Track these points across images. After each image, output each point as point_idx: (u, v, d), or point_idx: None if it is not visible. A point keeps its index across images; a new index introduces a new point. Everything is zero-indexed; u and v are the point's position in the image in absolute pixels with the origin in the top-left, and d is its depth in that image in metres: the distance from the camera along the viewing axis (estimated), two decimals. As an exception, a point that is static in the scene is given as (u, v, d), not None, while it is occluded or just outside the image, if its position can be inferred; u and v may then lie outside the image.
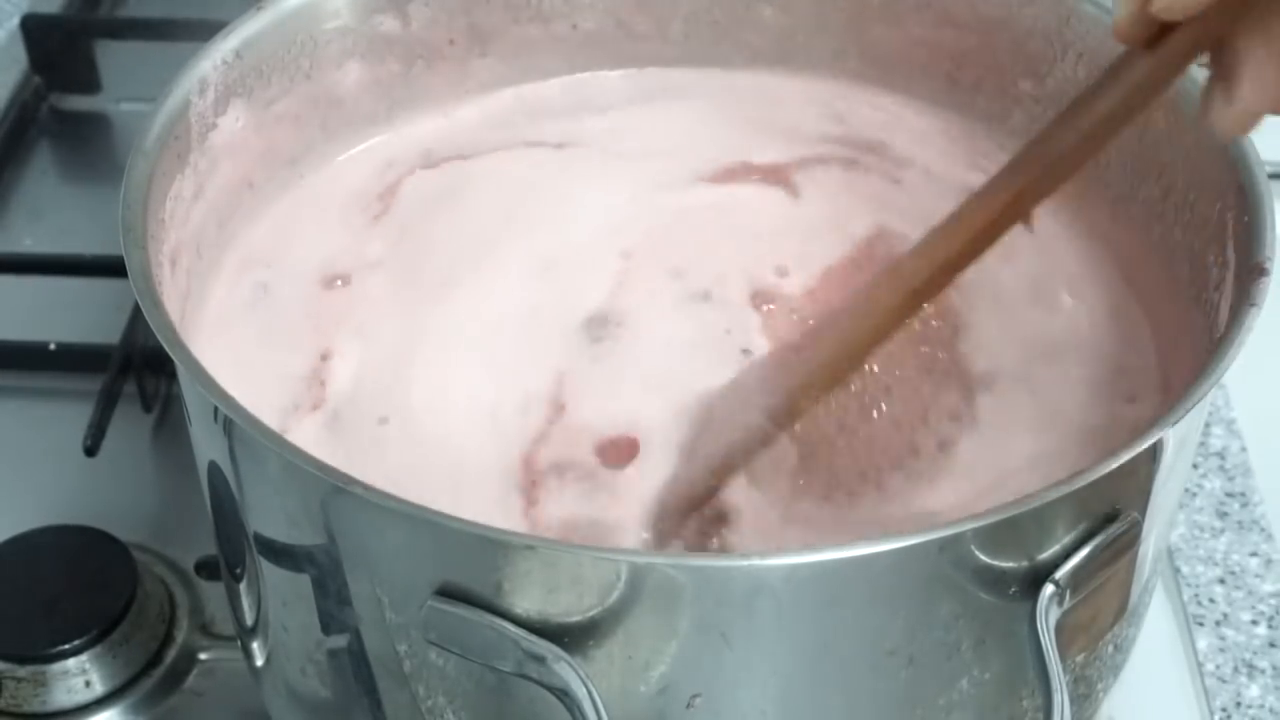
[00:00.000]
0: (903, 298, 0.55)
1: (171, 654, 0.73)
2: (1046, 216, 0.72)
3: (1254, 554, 0.79)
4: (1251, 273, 0.58)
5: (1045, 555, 0.52)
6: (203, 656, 0.74)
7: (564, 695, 0.50)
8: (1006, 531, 0.51)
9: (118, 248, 0.58)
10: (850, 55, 0.76)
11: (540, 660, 0.50)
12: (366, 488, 0.51)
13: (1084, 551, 0.52)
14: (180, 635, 0.74)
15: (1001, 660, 0.54)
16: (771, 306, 0.66)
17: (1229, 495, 0.82)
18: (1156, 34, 0.50)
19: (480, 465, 0.61)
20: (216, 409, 0.54)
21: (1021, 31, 0.72)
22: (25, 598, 0.72)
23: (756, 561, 0.49)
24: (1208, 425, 0.85)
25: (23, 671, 0.71)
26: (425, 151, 0.74)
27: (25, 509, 0.78)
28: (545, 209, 0.72)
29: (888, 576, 0.51)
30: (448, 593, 0.51)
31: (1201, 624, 0.77)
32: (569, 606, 0.50)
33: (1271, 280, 0.58)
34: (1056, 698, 0.51)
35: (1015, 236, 0.60)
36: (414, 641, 0.53)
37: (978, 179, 0.59)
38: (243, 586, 0.61)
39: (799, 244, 0.69)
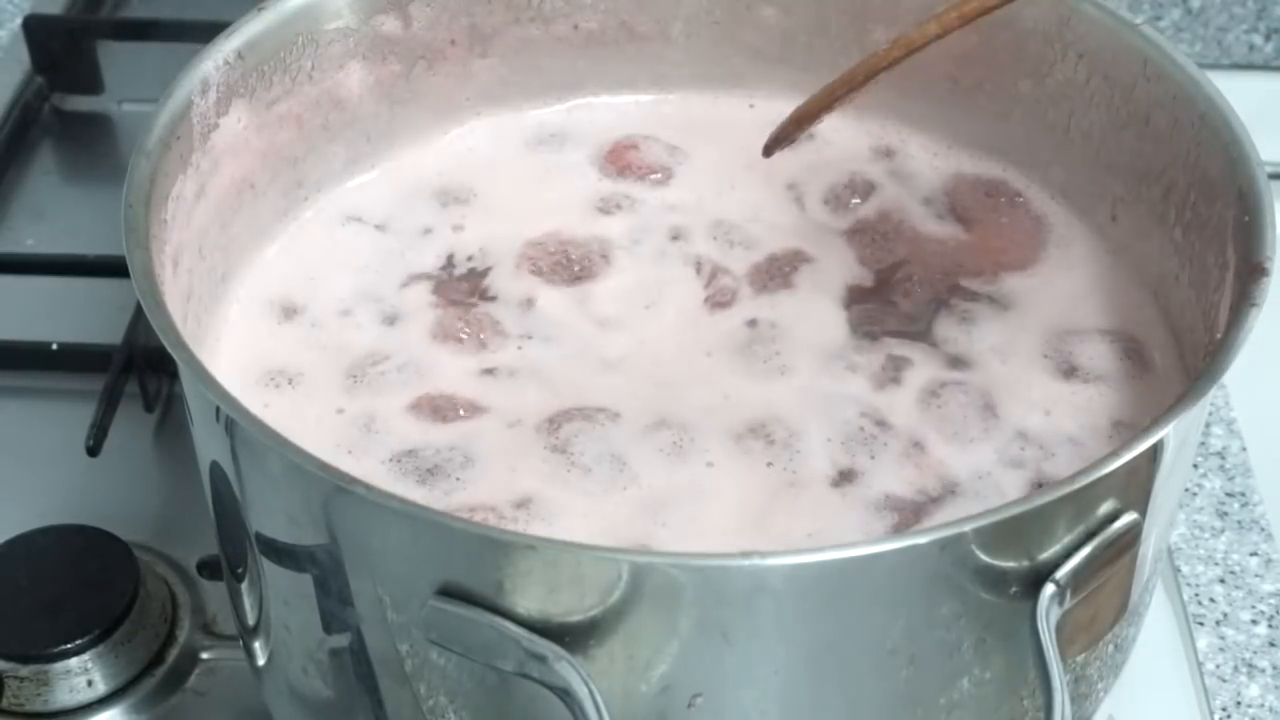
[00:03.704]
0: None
1: (173, 653, 0.73)
2: (1049, 217, 0.73)
3: (1254, 554, 0.79)
4: (1252, 273, 0.58)
5: (1046, 555, 0.52)
6: (205, 656, 0.74)
7: (565, 695, 0.50)
8: (1007, 531, 0.51)
9: (120, 248, 0.58)
10: (852, 55, 0.76)
11: (541, 660, 0.50)
12: (368, 487, 0.51)
13: (1084, 551, 0.53)
14: (182, 635, 0.74)
15: (1002, 660, 0.54)
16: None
17: (1229, 495, 0.82)
18: None
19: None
20: (218, 409, 0.54)
21: (1022, 32, 0.72)
22: (27, 597, 0.72)
23: (757, 561, 0.50)
24: (1208, 425, 0.85)
25: (25, 671, 0.71)
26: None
27: (27, 509, 0.78)
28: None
29: (889, 576, 0.51)
30: (449, 592, 0.51)
31: (1201, 623, 0.77)
32: (570, 606, 0.50)
33: (1272, 280, 0.58)
34: (1057, 697, 0.51)
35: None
36: (415, 641, 0.54)
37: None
38: (244, 586, 0.61)
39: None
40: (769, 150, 0.72)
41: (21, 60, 1.05)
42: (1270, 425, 0.86)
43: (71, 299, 0.90)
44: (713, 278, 0.71)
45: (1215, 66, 1.11)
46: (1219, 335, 0.59)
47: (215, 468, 0.58)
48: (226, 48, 0.67)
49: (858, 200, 0.74)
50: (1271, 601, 0.77)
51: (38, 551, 0.74)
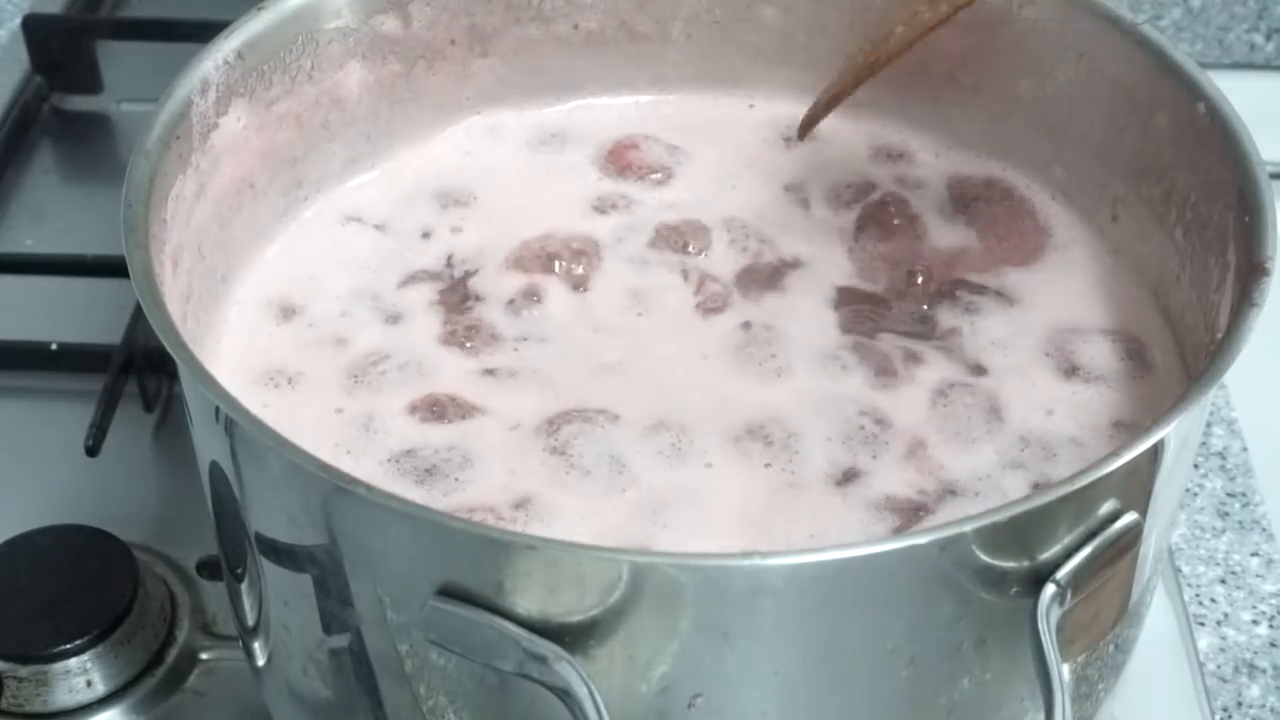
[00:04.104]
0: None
1: (173, 654, 0.73)
2: (1049, 218, 0.73)
3: (1255, 554, 0.79)
4: (1252, 273, 0.58)
5: (1046, 555, 0.52)
6: (204, 656, 0.74)
7: (565, 695, 0.50)
8: (1007, 531, 0.51)
9: (119, 248, 0.58)
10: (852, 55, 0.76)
11: (541, 660, 0.50)
12: (369, 488, 0.51)
13: (1085, 551, 0.53)
14: (182, 635, 0.74)
15: (1002, 660, 0.54)
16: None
17: (1230, 495, 0.82)
18: None
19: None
20: (218, 409, 0.54)
21: (1022, 32, 0.72)
22: (27, 598, 0.72)
23: (758, 561, 0.49)
24: (1208, 425, 0.85)
25: (24, 671, 0.71)
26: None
27: (27, 509, 0.78)
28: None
29: (889, 576, 0.51)
30: (449, 592, 0.51)
31: (1202, 624, 0.77)
32: (570, 606, 0.50)
33: (1272, 280, 0.58)
34: (1057, 697, 0.51)
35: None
36: (415, 641, 0.54)
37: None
38: (244, 586, 0.61)
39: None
40: (803, 132, 0.75)
41: (21, 60, 1.05)
42: (1271, 425, 0.86)
43: (71, 299, 0.90)
44: (712, 279, 0.71)
45: (1215, 66, 1.10)
46: (1220, 335, 0.59)
47: (215, 468, 0.58)
48: (226, 48, 0.67)
49: (858, 200, 0.74)
50: (1272, 602, 0.77)
51: (37, 551, 0.74)
